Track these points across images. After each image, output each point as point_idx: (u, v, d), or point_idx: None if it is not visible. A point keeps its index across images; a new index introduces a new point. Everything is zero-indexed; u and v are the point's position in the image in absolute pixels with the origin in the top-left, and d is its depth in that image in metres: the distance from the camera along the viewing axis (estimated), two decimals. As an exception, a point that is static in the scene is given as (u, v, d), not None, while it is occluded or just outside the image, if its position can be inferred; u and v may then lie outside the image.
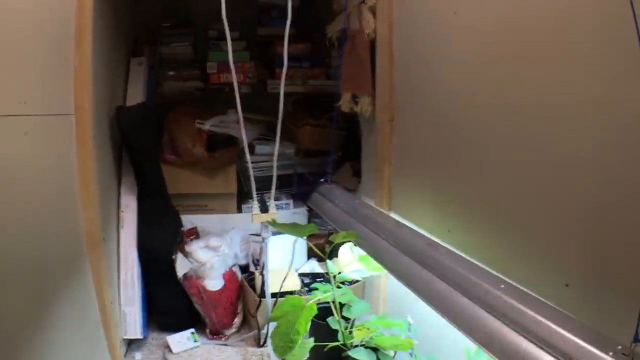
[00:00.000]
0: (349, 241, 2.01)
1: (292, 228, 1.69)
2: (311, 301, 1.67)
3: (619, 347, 0.94)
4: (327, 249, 1.81)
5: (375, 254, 1.73)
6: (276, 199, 3.07)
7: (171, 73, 3.25)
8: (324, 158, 3.01)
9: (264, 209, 2.28)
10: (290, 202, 3.16)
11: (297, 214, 3.08)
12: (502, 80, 1.43)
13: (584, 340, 1.00)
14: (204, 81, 3.29)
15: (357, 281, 2.58)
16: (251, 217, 2.14)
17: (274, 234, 2.66)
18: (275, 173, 2.29)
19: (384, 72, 2.13)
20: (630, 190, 1.04)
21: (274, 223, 1.82)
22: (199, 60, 3.33)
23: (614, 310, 1.07)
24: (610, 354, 0.94)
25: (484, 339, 1.13)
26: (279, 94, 3.04)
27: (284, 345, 1.65)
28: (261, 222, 2.20)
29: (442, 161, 1.78)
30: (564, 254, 1.22)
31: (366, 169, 2.41)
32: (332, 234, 1.96)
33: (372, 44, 2.22)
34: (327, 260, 1.89)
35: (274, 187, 2.25)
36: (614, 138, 1.08)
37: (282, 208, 3.08)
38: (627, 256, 1.05)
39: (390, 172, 2.10)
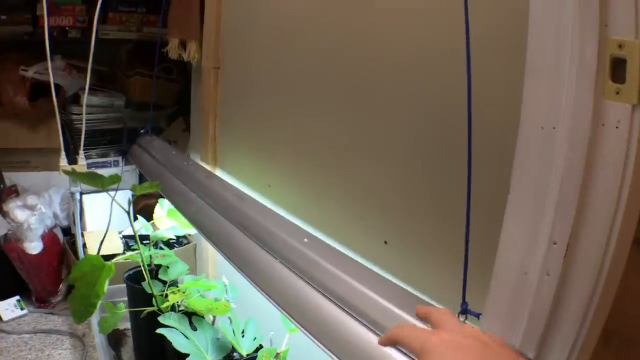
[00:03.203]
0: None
1: (90, 178, 1.50)
2: (112, 261, 1.50)
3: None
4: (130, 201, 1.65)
5: (182, 207, 1.59)
6: (104, 156, 2.86)
7: (3, 17, 2.89)
8: (158, 112, 2.83)
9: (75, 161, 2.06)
10: (120, 159, 2.92)
11: (127, 172, 2.85)
12: (333, 36, 1.33)
13: (397, 305, 0.86)
14: (33, 25, 2.96)
15: (186, 243, 2.45)
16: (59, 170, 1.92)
17: (97, 191, 2.47)
18: (84, 121, 2.08)
19: (212, 16, 1.96)
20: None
21: (72, 173, 1.63)
22: (32, 3, 2.98)
23: (439, 273, 0.99)
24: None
25: (282, 298, 1.01)
26: (111, 40, 2.85)
27: (84, 310, 1.47)
28: (69, 175, 1.99)
29: (265, 113, 1.67)
30: (383, 211, 1.15)
31: (194, 122, 2.25)
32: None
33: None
34: (139, 218, 1.73)
35: (83, 135, 2.03)
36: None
37: (110, 165, 2.84)
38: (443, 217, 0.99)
39: (216, 124, 1.95)
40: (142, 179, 2.91)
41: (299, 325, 0.95)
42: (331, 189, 1.33)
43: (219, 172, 1.92)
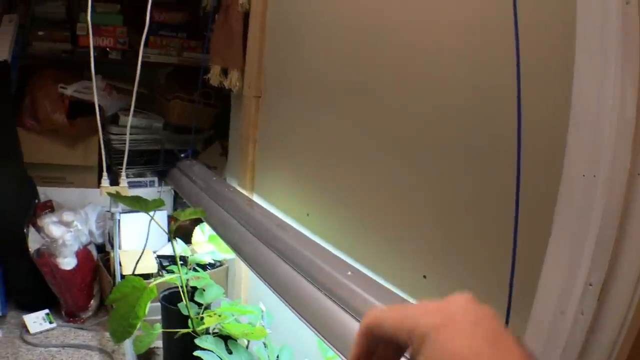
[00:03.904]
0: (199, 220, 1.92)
1: (135, 202, 1.55)
2: (152, 283, 1.54)
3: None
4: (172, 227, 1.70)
5: (224, 234, 1.63)
6: (140, 175, 2.93)
7: (41, 33, 2.98)
8: (196, 135, 2.89)
9: (117, 182, 2.12)
10: (156, 179, 2.98)
11: (162, 192, 2.91)
12: (373, 66, 1.37)
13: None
14: (72, 44, 3.04)
15: (219, 265, 2.49)
16: (100, 190, 1.98)
17: (133, 211, 2.51)
18: (127, 144, 2.14)
19: (255, 46, 2.02)
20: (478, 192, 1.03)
21: (117, 196, 1.68)
22: (71, 22, 3.06)
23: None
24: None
25: (324, 328, 1.05)
26: (151, 63, 2.90)
27: (123, 330, 1.52)
28: (112, 197, 2.05)
29: (304, 142, 1.72)
30: (422, 245, 1.18)
31: (233, 147, 2.30)
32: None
33: (246, 16, 2.11)
34: (178, 240, 1.77)
35: (125, 157, 2.09)
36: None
37: (145, 185, 2.91)
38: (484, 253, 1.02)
39: (255, 152, 2.00)
40: (176, 199, 2.98)
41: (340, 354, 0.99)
42: (370, 220, 1.36)
43: (256, 198, 1.97)
